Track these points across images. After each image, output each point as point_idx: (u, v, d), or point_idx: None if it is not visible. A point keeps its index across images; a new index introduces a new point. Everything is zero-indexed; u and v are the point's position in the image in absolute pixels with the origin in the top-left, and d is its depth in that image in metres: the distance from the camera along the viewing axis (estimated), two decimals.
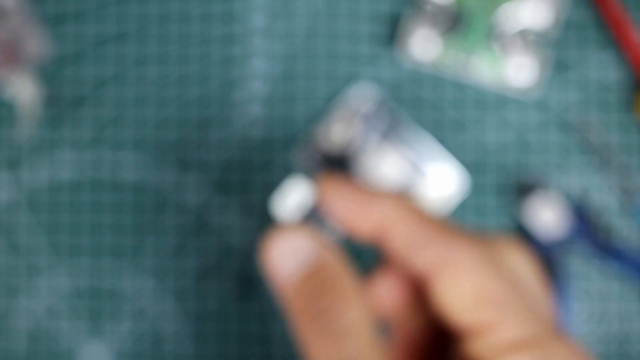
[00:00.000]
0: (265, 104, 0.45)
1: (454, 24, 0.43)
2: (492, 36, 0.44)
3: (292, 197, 0.29)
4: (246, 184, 0.44)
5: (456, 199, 0.44)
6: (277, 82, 0.45)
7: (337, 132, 0.44)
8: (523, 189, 0.44)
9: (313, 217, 0.28)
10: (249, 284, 0.44)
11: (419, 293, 0.27)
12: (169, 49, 0.44)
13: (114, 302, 0.44)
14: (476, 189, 0.44)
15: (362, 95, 0.44)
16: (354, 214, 0.26)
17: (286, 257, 0.26)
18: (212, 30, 0.45)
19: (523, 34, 0.44)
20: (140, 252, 0.44)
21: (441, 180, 0.44)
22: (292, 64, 0.45)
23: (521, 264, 0.26)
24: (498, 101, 0.44)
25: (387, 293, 0.28)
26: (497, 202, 0.44)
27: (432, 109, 0.44)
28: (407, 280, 0.27)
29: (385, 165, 0.44)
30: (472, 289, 0.24)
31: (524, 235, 0.44)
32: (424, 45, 0.43)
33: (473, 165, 0.44)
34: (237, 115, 0.45)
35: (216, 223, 0.44)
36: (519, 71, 0.44)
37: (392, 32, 0.45)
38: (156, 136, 0.44)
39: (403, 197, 0.27)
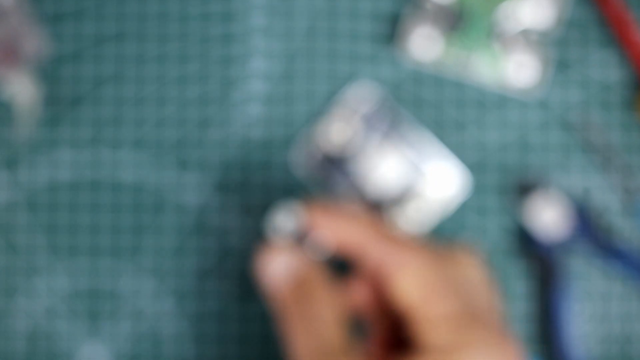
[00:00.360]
0: (265, 104, 0.44)
1: (455, 22, 0.43)
2: (493, 35, 0.43)
3: (282, 219, 0.37)
4: (246, 184, 0.44)
5: (457, 199, 0.44)
6: (277, 82, 0.44)
7: (337, 132, 0.43)
8: (524, 189, 0.44)
9: (298, 236, 0.36)
10: (249, 284, 0.44)
11: (383, 294, 0.35)
12: (168, 48, 0.44)
13: (113, 303, 0.44)
14: (477, 189, 0.44)
15: (362, 95, 0.44)
16: (337, 236, 0.35)
17: (277, 272, 0.35)
18: (211, 29, 0.44)
19: (524, 33, 0.43)
20: (140, 252, 0.44)
21: (442, 180, 0.43)
22: (291, 63, 0.44)
23: (468, 269, 0.36)
24: (499, 101, 0.44)
25: (361, 296, 0.36)
26: (498, 202, 0.44)
27: (433, 108, 0.44)
28: (374, 284, 0.35)
29: (386, 165, 0.43)
30: (413, 280, 0.33)
31: (524, 235, 0.44)
32: (424, 44, 0.43)
33: (474, 165, 0.44)
34: (237, 115, 0.44)
35: (216, 223, 0.44)
36: (520, 70, 0.43)
37: (392, 31, 0.44)
38: (155, 136, 0.44)
39: (371, 219, 0.36)
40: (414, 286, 0.33)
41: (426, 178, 0.43)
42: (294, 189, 0.44)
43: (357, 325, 0.37)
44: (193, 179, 0.44)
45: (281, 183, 0.44)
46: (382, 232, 0.35)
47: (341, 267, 0.39)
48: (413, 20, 0.43)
